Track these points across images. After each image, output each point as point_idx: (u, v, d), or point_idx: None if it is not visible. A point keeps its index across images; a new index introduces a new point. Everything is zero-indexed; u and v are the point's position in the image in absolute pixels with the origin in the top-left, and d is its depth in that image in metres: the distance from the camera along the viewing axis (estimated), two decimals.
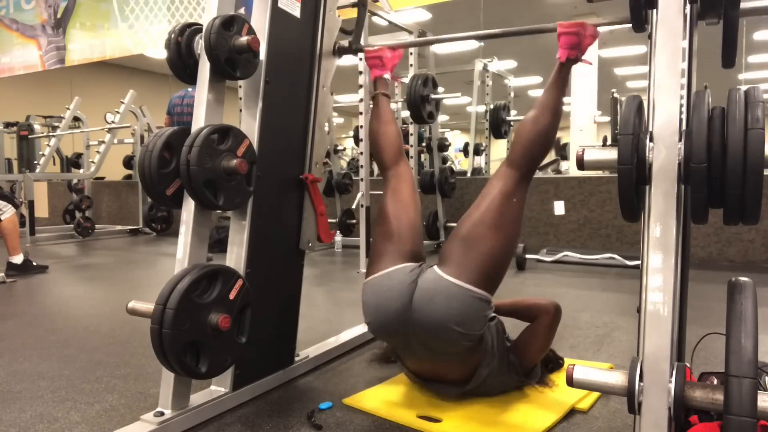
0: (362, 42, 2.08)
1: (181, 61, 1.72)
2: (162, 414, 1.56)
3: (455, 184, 5.34)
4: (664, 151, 1.08)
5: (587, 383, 1.07)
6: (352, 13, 3.97)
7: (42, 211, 8.10)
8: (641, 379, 1.02)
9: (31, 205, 6.19)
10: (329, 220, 2.36)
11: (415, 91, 3.95)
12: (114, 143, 6.86)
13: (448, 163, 6.04)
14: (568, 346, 2.35)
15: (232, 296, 1.55)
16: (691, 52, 1.22)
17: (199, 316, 1.46)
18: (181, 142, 1.57)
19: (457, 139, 13.33)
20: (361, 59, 3.52)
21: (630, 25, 1.43)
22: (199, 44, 1.70)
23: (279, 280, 1.93)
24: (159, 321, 1.41)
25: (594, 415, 1.68)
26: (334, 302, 3.41)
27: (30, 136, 7.63)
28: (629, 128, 1.10)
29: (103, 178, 8.49)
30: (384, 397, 1.80)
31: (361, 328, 2.43)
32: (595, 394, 1.78)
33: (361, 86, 3.69)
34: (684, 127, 1.10)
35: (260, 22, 1.78)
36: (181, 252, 1.63)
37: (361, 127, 3.73)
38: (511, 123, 6.34)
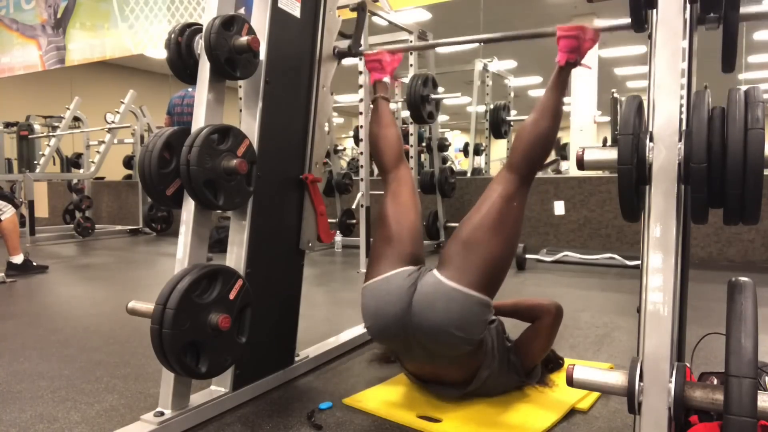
0: (362, 46, 2.08)
1: (181, 61, 1.72)
2: (162, 414, 1.56)
3: (455, 184, 5.34)
4: (664, 151, 1.08)
5: (587, 383, 1.07)
6: (352, 13, 3.97)
7: (42, 211, 8.09)
8: (641, 379, 1.02)
9: (31, 205, 6.19)
10: (329, 220, 2.36)
11: (415, 91, 3.95)
12: (114, 143, 6.86)
13: (448, 163, 6.04)
14: (568, 346, 2.35)
15: (232, 296, 1.55)
16: (691, 52, 1.22)
17: (199, 316, 1.46)
18: (181, 142, 1.57)
19: (457, 139, 13.33)
20: (361, 59, 3.52)
21: (629, 22, 1.43)
22: (199, 44, 1.69)
23: (279, 280, 1.93)
24: (159, 321, 1.41)
25: (594, 415, 1.68)
26: (334, 302, 3.41)
27: (30, 136, 7.63)
28: (629, 128, 1.10)
29: (103, 178, 8.49)
30: (384, 397, 1.80)
31: (361, 328, 2.43)
32: (595, 394, 1.78)
33: (361, 86, 3.69)
34: (684, 127, 1.10)
35: (260, 22, 1.78)
36: (181, 252, 1.63)
37: (361, 127, 3.73)
38: (511, 123, 6.34)
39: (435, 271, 1.59)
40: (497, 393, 1.75)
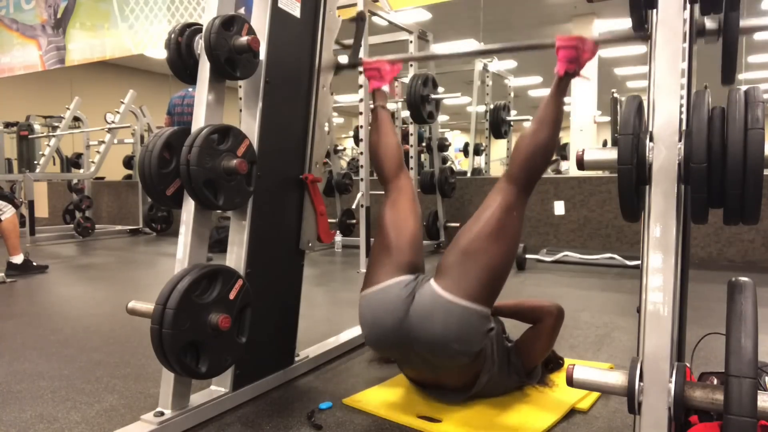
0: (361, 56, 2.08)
1: (181, 61, 1.72)
2: (162, 414, 1.56)
3: (455, 184, 5.34)
4: (664, 151, 1.08)
5: (587, 383, 1.07)
6: (352, 12, 3.97)
7: (42, 211, 8.09)
8: (641, 379, 1.02)
9: (31, 205, 6.19)
10: (329, 220, 2.36)
11: (415, 91, 3.95)
12: (114, 143, 6.86)
13: (448, 163, 6.04)
14: (568, 346, 2.35)
15: (232, 296, 1.55)
16: (691, 52, 1.22)
17: (199, 316, 1.46)
18: (181, 142, 1.57)
19: (457, 139, 13.34)
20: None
21: (629, 32, 1.43)
22: (199, 44, 1.69)
23: (279, 280, 1.93)
24: (159, 321, 1.41)
25: (594, 415, 1.68)
26: (334, 302, 3.41)
27: (30, 136, 7.63)
28: (629, 128, 1.10)
29: (103, 178, 8.50)
30: (384, 397, 1.80)
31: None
32: (595, 394, 1.78)
33: (361, 86, 3.69)
34: (684, 127, 1.10)
35: (260, 22, 1.78)
36: (181, 252, 1.63)
37: (361, 127, 3.73)
38: (511, 123, 6.34)
39: (432, 282, 1.57)
40: (498, 394, 1.75)
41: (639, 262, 1.15)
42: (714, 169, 1.03)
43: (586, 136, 8.49)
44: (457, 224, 5.26)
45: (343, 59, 2.08)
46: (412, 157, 5.08)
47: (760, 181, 1.01)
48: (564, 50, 1.54)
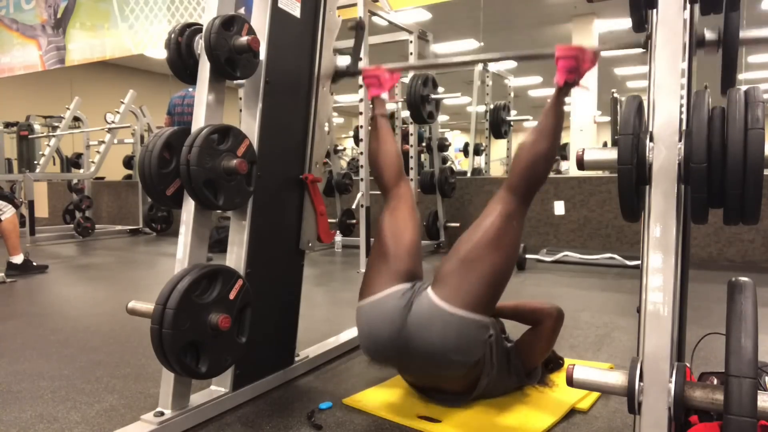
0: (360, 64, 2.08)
1: (181, 61, 1.72)
2: (162, 414, 1.56)
3: (455, 184, 5.34)
4: (664, 151, 1.08)
5: (587, 383, 1.07)
6: (352, 12, 3.97)
7: (42, 211, 8.10)
8: (641, 379, 1.02)
9: (31, 205, 6.19)
10: (329, 220, 2.36)
11: (415, 91, 3.95)
12: (114, 143, 6.86)
13: (448, 163, 6.03)
14: (568, 346, 2.35)
15: (232, 296, 1.55)
16: (691, 52, 1.22)
17: (199, 316, 1.46)
18: (181, 142, 1.57)
19: (457, 139, 13.32)
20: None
21: (628, 41, 1.43)
22: (199, 44, 1.69)
23: (279, 280, 1.93)
24: (159, 321, 1.41)
25: (594, 415, 1.68)
26: (334, 302, 3.41)
27: (30, 136, 7.63)
28: (629, 128, 1.10)
29: (103, 178, 8.50)
30: (384, 397, 1.80)
31: None
32: (595, 394, 1.78)
33: (361, 86, 3.69)
34: (684, 127, 1.10)
35: (260, 22, 1.78)
36: (181, 252, 1.63)
37: (361, 127, 3.73)
38: (511, 123, 6.34)
39: (430, 291, 1.55)
40: (498, 394, 1.75)
41: (639, 262, 1.15)
42: (714, 169, 1.03)
43: (586, 136, 8.49)
44: (457, 224, 5.27)
45: (344, 59, 2.07)
46: (412, 157, 5.08)
47: (760, 181, 1.01)
48: (564, 60, 1.52)
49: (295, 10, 1.87)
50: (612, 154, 1.12)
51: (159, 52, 6.44)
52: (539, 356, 1.80)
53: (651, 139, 1.09)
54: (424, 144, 5.78)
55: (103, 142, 6.78)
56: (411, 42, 4.67)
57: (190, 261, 1.61)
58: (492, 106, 6.20)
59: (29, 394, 1.88)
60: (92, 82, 10.90)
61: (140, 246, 6.28)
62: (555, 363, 1.96)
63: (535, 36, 10.32)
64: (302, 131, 1.97)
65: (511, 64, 10.80)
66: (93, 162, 6.84)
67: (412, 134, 5.19)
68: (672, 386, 1.00)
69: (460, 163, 10.77)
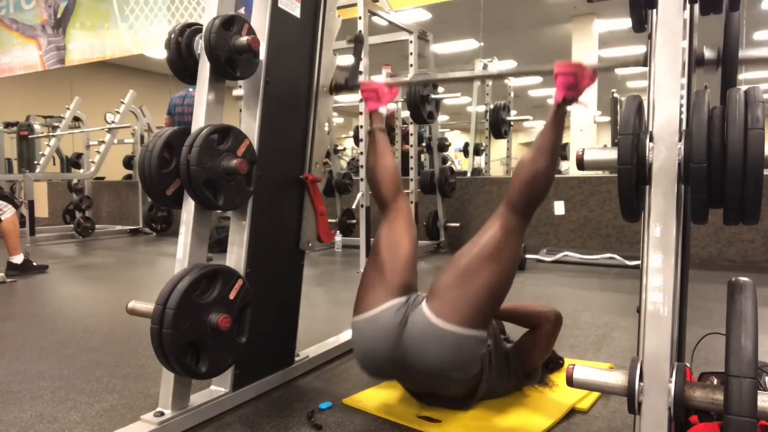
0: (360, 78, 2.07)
1: (181, 61, 1.72)
2: (162, 414, 1.56)
3: (455, 184, 5.34)
4: (664, 151, 1.08)
5: (587, 383, 1.07)
6: (352, 12, 3.97)
7: (42, 211, 8.09)
8: (641, 379, 1.02)
9: (31, 205, 6.19)
10: (329, 220, 2.36)
11: (415, 91, 3.95)
12: (114, 143, 6.86)
13: (448, 163, 6.04)
14: (568, 346, 2.35)
15: (232, 296, 1.55)
16: (691, 51, 1.22)
17: (199, 316, 1.46)
18: (181, 142, 1.57)
19: (457, 139, 13.32)
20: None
21: (627, 58, 1.42)
22: (199, 44, 1.69)
23: (279, 280, 1.93)
24: (159, 321, 1.41)
25: (594, 415, 1.68)
26: (334, 302, 3.41)
27: (30, 136, 7.63)
28: (629, 128, 1.10)
29: (103, 178, 8.49)
30: (384, 397, 1.80)
31: None
32: (595, 394, 1.78)
33: None
34: (684, 127, 1.10)
35: (260, 22, 1.77)
36: (181, 252, 1.63)
37: (361, 127, 3.73)
38: (511, 123, 6.34)
39: (425, 306, 1.53)
40: (497, 395, 1.75)
41: (639, 262, 1.15)
42: (714, 169, 1.03)
43: (586, 136, 8.49)
44: (457, 224, 5.27)
45: (345, 58, 2.07)
46: (412, 157, 5.08)
47: (760, 181, 1.01)
48: (563, 77, 1.50)
49: (295, 10, 1.87)
50: (612, 154, 1.12)
51: (159, 52, 6.44)
52: (537, 359, 1.79)
53: (651, 139, 1.09)
54: (424, 144, 5.78)
55: (103, 142, 6.79)
56: (411, 42, 4.67)
57: (190, 261, 1.61)
58: (492, 106, 6.20)
59: (29, 394, 1.88)
60: (92, 82, 10.90)
61: (140, 246, 6.28)
62: (555, 363, 1.96)
63: (535, 36, 10.33)
64: (302, 131, 1.97)
65: (511, 64, 10.82)
66: (93, 162, 6.84)
67: (412, 134, 5.19)
68: (672, 386, 1.00)
69: (460, 163, 10.77)
